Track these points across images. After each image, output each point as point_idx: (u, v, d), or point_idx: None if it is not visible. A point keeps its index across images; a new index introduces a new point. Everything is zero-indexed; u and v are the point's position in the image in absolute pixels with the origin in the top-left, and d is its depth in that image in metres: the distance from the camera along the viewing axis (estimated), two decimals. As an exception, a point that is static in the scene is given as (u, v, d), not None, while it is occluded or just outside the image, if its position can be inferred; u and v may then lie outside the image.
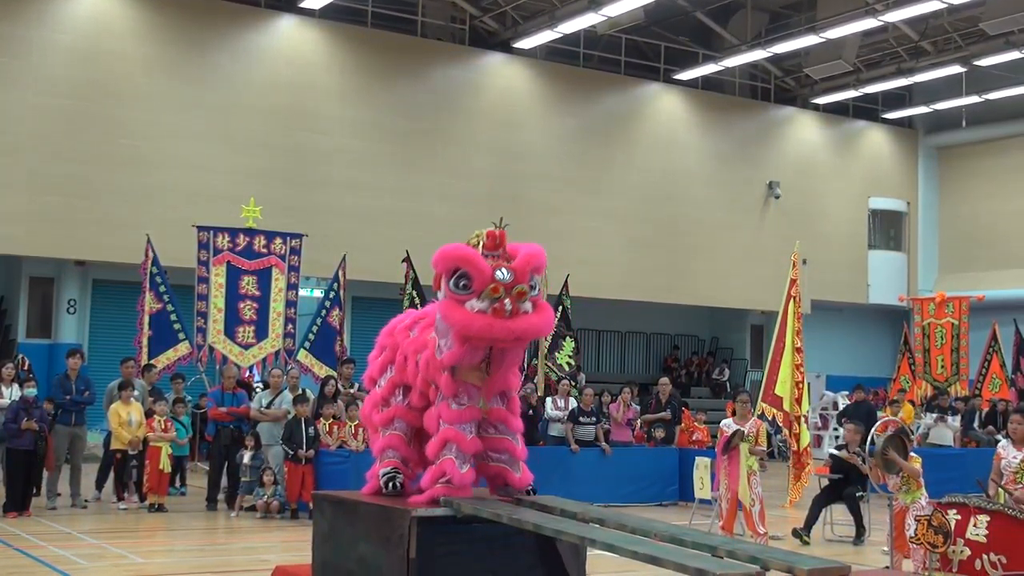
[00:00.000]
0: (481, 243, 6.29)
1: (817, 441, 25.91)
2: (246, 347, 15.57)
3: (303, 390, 14.32)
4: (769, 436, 13.56)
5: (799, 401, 14.78)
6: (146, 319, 15.16)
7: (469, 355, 6.20)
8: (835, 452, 13.23)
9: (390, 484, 6.67)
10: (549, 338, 17.37)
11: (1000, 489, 8.60)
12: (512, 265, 6.18)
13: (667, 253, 26.47)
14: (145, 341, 15.11)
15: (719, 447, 11.49)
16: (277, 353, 15.73)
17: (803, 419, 14.50)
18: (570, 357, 18.50)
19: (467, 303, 6.09)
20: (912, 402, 18.52)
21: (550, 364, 18.02)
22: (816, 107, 29.66)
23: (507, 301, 6.07)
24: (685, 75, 26.93)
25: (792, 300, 14.54)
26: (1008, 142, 29.85)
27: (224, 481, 14.38)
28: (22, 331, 21.21)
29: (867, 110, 30.40)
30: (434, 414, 6.48)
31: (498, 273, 6.11)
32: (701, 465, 13.20)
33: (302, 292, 17.08)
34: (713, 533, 10.18)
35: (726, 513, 11.27)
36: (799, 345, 14.34)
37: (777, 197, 28.12)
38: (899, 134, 31.07)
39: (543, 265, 6.33)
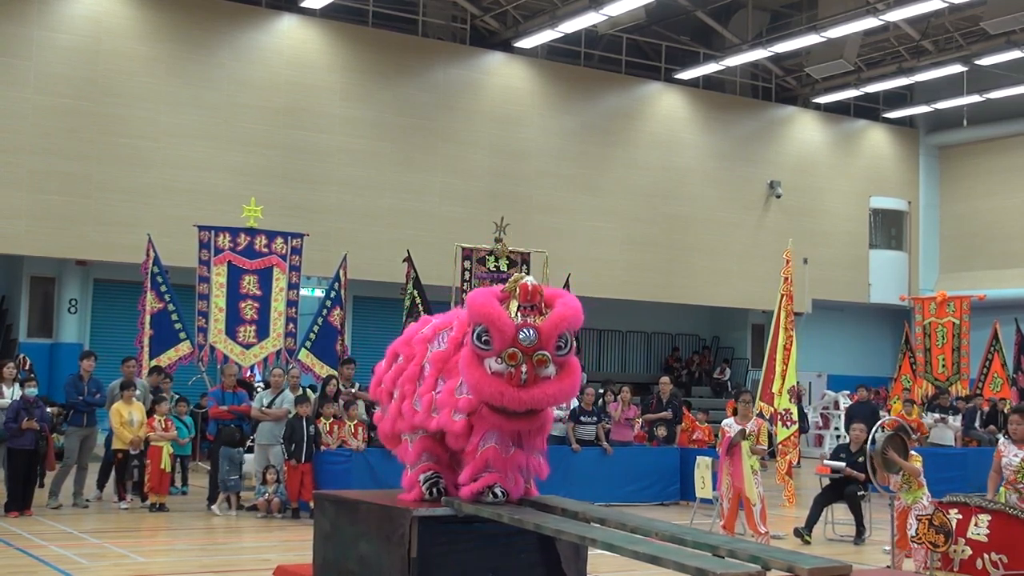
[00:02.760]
0: (516, 293, 6.05)
1: (818, 440, 25.91)
2: (247, 347, 15.56)
3: (304, 389, 14.31)
4: (770, 435, 13.54)
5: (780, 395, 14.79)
6: (147, 318, 15.14)
7: (488, 418, 6.05)
8: (830, 462, 13.24)
9: (433, 489, 6.50)
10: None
11: (1001, 489, 8.60)
12: (540, 325, 5.93)
13: (668, 252, 26.47)
14: (146, 340, 15.10)
15: (722, 448, 11.46)
16: (278, 352, 15.72)
17: (777, 415, 14.50)
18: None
19: (486, 360, 5.94)
20: (912, 401, 18.50)
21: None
22: (817, 106, 29.65)
23: (524, 368, 5.87)
24: (686, 74, 26.92)
25: (783, 297, 14.53)
26: (1009, 141, 29.84)
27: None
28: (23, 330, 21.22)
29: (868, 109, 30.38)
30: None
31: (522, 334, 5.90)
32: (702, 464, 13.19)
33: (303, 292, 17.06)
34: (714, 532, 10.18)
35: (727, 512, 11.25)
36: (786, 343, 14.32)
37: (778, 196, 28.11)
38: (900, 133, 31.05)
39: (578, 323, 6.05)
